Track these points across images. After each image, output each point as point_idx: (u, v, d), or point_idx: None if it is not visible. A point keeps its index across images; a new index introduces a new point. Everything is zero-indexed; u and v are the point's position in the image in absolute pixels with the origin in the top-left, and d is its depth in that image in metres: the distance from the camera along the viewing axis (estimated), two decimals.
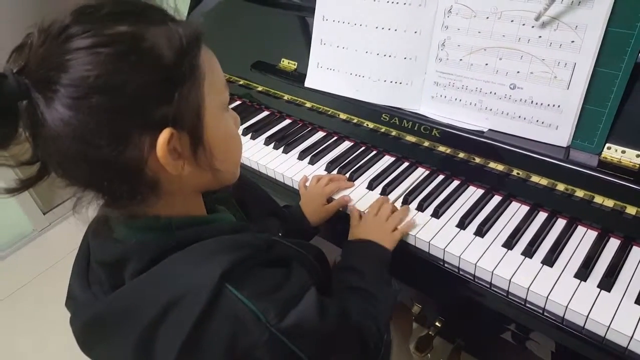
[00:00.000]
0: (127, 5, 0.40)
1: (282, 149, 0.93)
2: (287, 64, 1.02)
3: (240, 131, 1.00)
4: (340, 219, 0.78)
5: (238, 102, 1.11)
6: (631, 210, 0.63)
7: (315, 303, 0.44)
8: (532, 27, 0.69)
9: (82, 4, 0.39)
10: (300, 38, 0.99)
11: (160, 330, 0.40)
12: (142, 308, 0.41)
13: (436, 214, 0.73)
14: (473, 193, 0.77)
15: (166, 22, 0.40)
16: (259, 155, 0.93)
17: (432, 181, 0.81)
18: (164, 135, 0.38)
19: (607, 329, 0.55)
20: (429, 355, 1.04)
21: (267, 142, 0.96)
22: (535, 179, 0.71)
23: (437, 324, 1.06)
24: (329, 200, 0.79)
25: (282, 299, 0.42)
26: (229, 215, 0.54)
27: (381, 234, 0.68)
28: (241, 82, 1.09)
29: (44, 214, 1.86)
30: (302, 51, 0.96)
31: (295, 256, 0.51)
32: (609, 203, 0.65)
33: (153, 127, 0.38)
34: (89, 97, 0.35)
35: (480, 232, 0.69)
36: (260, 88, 1.06)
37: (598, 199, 0.66)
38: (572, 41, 0.67)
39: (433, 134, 0.80)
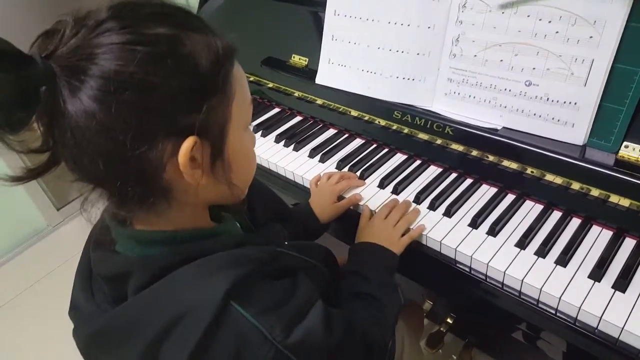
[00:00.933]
0: (169, 8, 0.40)
1: (292, 146, 0.93)
2: (298, 60, 1.01)
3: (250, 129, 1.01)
4: (350, 217, 0.78)
5: None
6: None
7: (322, 317, 0.44)
8: (549, 22, 0.68)
9: (122, 0, 0.38)
10: (311, 33, 0.98)
11: (163, 346, 0.39)
12: (145, 324, 0.40)
13: (448, 213, 0.73)
14: (486, 192, 0.76)
15: (206, 32, 0.40)
16: (269, 153, 0.93)
17: (444, 179, 0.80)
18: (188, 142, 0.38)
19: (621, 331, 0.54)
20: (440, 351, 1.04)
21: (278, 139, 0.96)
22: (549, 177, 0.70)
23: (448, 320, 1.06)
24: (340, 198, 0.79)
25: (288, 314, 0.42)
26: (234, 225, 0.53)
27: (389, 239, 0.68)
28: (252, 79, 1.09)
29: (58, 209, 1.89)
30: (313, 47, 0.95)
31: (302, 266, 0.51)
32: (625, 202, 0.64)
33: (179, 133, 0.38)
34: (120, 92, 0.34)
35: (493, 231, 0.68)
36: (270, 85, 1.05)
37: (614, 198, 0.65)
38: (590, 37, 0.65)
39: (446, 131, 0.79)
